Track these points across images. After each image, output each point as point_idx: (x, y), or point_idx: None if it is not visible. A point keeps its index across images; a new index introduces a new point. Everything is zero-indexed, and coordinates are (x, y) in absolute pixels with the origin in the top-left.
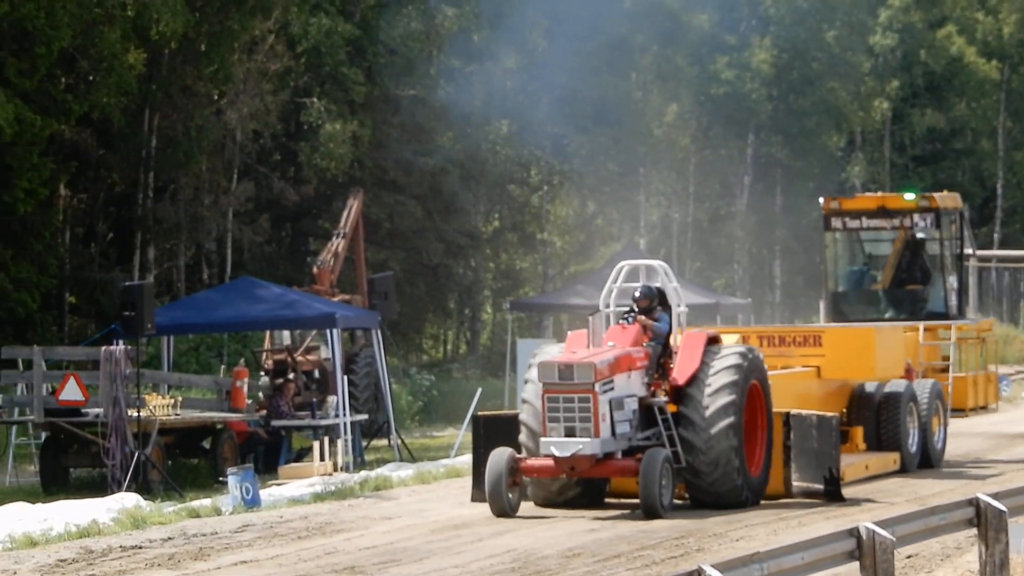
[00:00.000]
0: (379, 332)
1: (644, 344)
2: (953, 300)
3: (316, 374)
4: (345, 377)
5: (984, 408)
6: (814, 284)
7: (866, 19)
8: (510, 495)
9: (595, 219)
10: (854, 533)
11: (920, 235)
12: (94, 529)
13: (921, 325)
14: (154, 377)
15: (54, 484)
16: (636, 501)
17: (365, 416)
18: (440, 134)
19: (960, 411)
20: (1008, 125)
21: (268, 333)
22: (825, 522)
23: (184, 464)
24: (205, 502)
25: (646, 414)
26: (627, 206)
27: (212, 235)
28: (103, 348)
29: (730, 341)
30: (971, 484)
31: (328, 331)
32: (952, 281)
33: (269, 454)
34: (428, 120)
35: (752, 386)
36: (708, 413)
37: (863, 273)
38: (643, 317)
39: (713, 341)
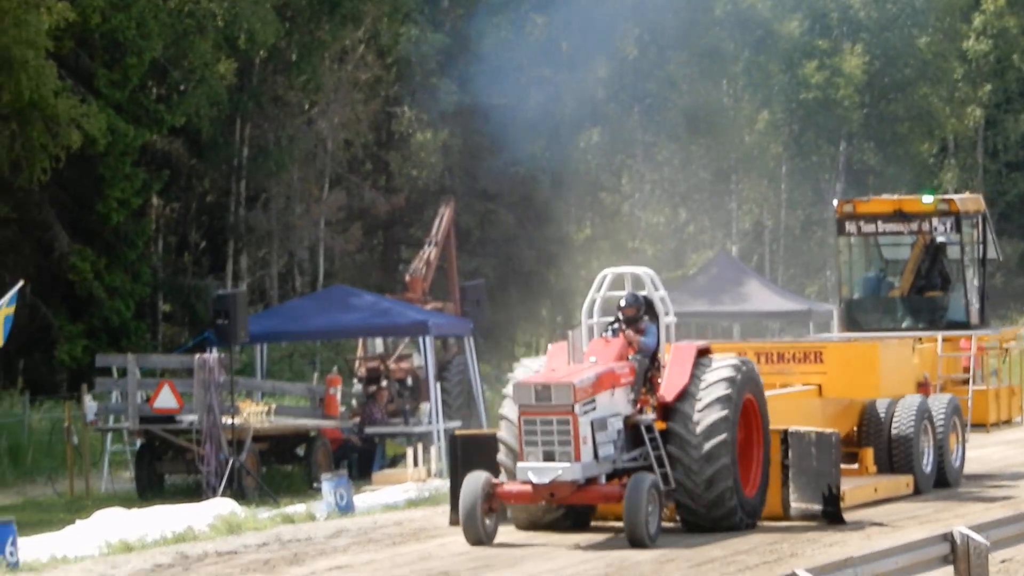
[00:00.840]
0: (471, 339)
1: (629, 358)
2: (975, 308)
3: (409, 381)
4: (438, 384)
5: (1008, 423)
6: None
7: (959, 25)
8: (487, 521)
9: (687, 226)
10: (948, 538)
11: (940, 239)
12: (190, 535)
13: (940, 335)
14: (248, 385)
15: (149, 490)
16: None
17: (458, 423)
18: (531, 142)
19: (981, 426)
20: None
21: (361, 341)
22: (919, 527)
23: (278, 470)
24: (300, 508)
25: (632, 433)
26: (719, 213)
27: (304, 244)
28: (197, 356)
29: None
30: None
31: (421, 338)
32: (974, 288)
33: (363, 461)
34: (519, 128)
35: (747, 401)
36: (699, 432)
37: (879, 280)
38: (630, 332)
39: (704, 353)
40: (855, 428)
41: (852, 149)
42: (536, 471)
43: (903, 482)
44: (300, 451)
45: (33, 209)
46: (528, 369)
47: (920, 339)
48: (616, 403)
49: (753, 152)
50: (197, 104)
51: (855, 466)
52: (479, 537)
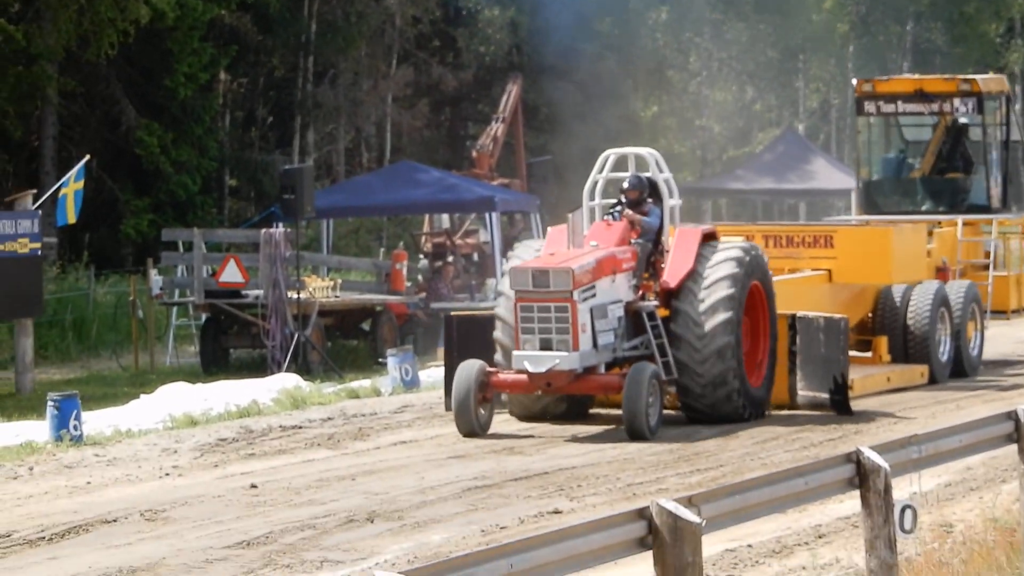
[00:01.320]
0: (538, 216)
1: (632, 242)
2: (997, 191)
3: (475, 257)
4: (504, 260)
5: None
6: None
7: None
8: (480, 411)
9: (754, 104)
10: (1012, 416)
11: (962, 120)
12: (254, 409)
13: (960, 219)
14: (314, 259)
15: (214, 365)
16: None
17: None
18: (599, 20)
19: (1002, 313)
20: None
21: (427, 216)
22: (983, 406)
23: (344, 346)
24: (364, 383)
25: (634, 320)
26: (786, 91)
27: (371, 119)
28: (263, 230)
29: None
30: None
31: (487, 214)
32: (996, 171)
33: (428, 336)
34: (587, 5)
35: (753, 288)
36: (703, 321)
37: (900, 161)
38: (631, 212)
39: (709, 238)
40: (869, 315)
41: (919, 29)
42: (532, 360)
43: (918, 371)
44: (366, 326)
45: (100, 83)
46: (527, 250)
47: (940, 223)
48: (617, 289)
49: (820, 31)
50: None
51: (869, 354)
52: (472, 427)
